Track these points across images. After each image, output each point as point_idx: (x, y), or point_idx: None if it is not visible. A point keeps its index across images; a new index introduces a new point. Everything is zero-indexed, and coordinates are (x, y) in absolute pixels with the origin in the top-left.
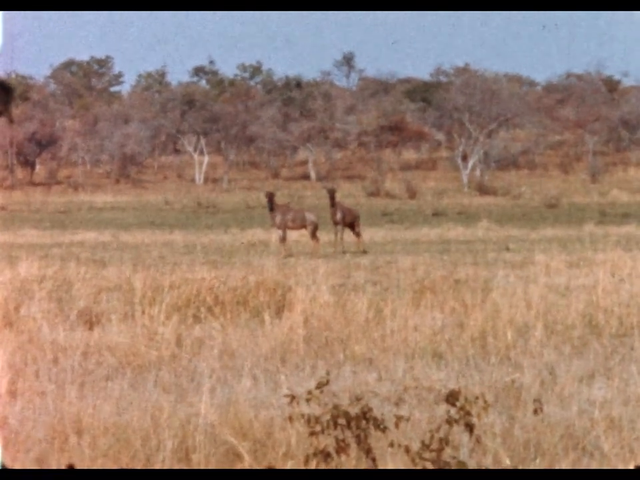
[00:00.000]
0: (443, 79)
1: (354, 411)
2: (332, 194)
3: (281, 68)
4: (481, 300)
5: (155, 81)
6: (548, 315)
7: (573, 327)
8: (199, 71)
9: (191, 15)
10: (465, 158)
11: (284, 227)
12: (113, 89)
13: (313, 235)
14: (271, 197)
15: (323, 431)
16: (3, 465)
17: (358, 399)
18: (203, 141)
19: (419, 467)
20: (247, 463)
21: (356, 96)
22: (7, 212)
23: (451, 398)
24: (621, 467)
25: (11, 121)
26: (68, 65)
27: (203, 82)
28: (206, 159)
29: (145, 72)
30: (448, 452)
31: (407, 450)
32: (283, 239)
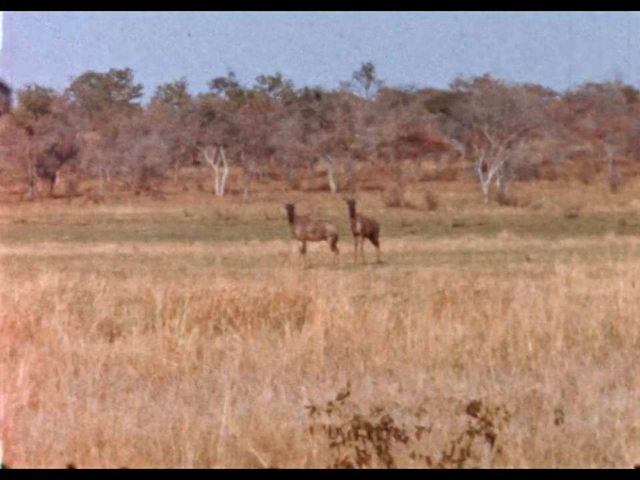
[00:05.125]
0: (462, 89)
1: (375, 421)
2: (352, 205)
3: (301, 79)
4: (502, 310)
5: (175, 93)
6: (568, 325)
7: (594, 337)
8: (218, 83)
9: (211, 27)
10: (484, 168)
11: (304, 239)
12: (132, 101)
13: (333, 246)
14: (290, 208)
15: (344, 442)
16: (3, 465)
17: (379, 410)
18: (222, 153)
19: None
20: None
21: (375, 107)
22: (27, 224)
23: (472, 409)
24: None
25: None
26: (87, 77)
27: (223, 94)
28: (226, 170)
29: (165, 84)
30: (469, 462)
31: (429, 461)
32: (303, 250)
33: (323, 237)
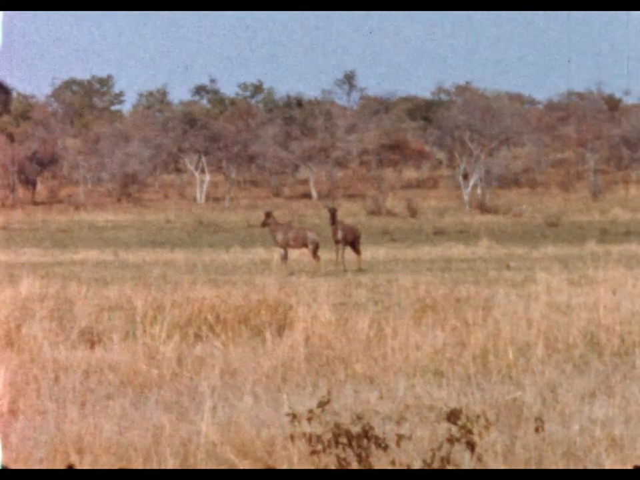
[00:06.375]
0: (444, 97)
1: (355, 429)
2: (333, 212)
3: (282, 87)
4: (482, 318)
5: (156, 100)
6: (549, 334)
7: (574, 346)
8: (200, 90)
9: (192, 34)
10: (466, 176)
11: (285, 246)
12: (114, 107)
13: (314, 254)
14: (267, 215)
15: (324, 450)
16: (3, 465)
17: (359, 418)
18: (204, 160)
19: None
20: None
21: (357, 114)
22: (8, 231)
23: (453, 416)
24: None
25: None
26: (69, 83)
27: (204, 101)
28: (207, 177)
29: (146, 91)
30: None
31: (409, 468)
32: (285, 258)
33: (304, 245)
